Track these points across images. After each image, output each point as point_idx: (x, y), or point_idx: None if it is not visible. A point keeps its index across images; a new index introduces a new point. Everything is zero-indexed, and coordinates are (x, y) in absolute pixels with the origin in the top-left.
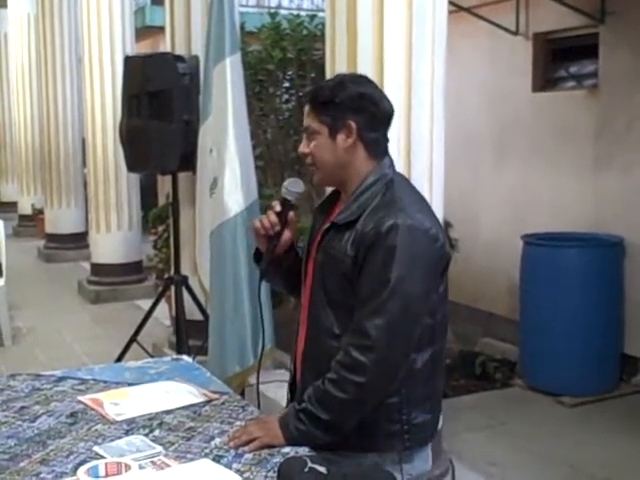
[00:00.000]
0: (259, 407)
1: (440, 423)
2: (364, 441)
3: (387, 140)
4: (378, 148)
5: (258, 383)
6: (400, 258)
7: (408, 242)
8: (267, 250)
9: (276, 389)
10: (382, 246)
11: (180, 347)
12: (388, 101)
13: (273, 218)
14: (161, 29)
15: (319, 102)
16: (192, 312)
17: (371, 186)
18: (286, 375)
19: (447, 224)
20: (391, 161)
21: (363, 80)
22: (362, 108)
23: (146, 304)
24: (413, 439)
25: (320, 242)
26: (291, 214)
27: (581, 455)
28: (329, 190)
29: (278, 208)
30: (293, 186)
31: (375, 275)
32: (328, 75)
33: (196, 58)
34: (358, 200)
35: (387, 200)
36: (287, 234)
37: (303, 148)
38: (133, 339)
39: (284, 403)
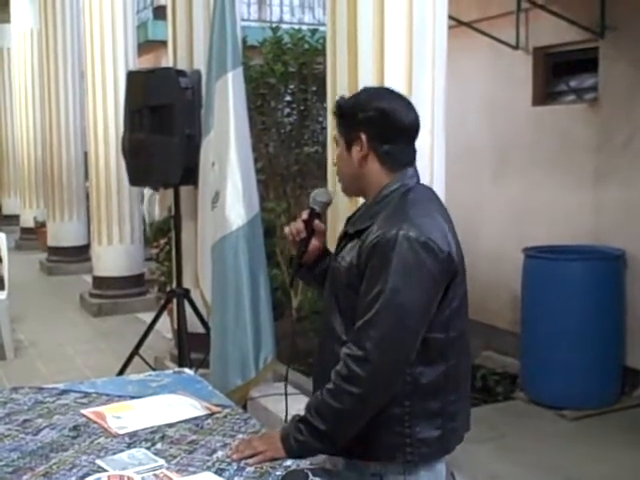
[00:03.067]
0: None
1: (461, 442)
2: (366, 449)
3: (412, 151)
4: (393, 160)
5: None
6: (397, 269)
7: (406, 253)
8: (296, 255)
9: (277, 402)
10: (380, 257)
11: (182, 360)
12: (411, 114)
13: (299, 225)
14: (163, 43)
15: (338, 115)
16: (194, 325)
17: (387, 196)
18: (287, 388)
19: None
20: (415, 171)
21: (383, 93)
22: (372, 121)
23: (148, 317)
24: (417, 453)
25: (336, 250)
26: (318, 223)
27: (582, 469)
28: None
29: (305, 216)
30: (320, 196)
31: (371, 286)
32: (329, 90)
33: (198, 72)
34: (371, 209)
35: (396, 211)
36: (315, 242)
37: (334, 157)
38: (135, 352)
39: (283, 416)
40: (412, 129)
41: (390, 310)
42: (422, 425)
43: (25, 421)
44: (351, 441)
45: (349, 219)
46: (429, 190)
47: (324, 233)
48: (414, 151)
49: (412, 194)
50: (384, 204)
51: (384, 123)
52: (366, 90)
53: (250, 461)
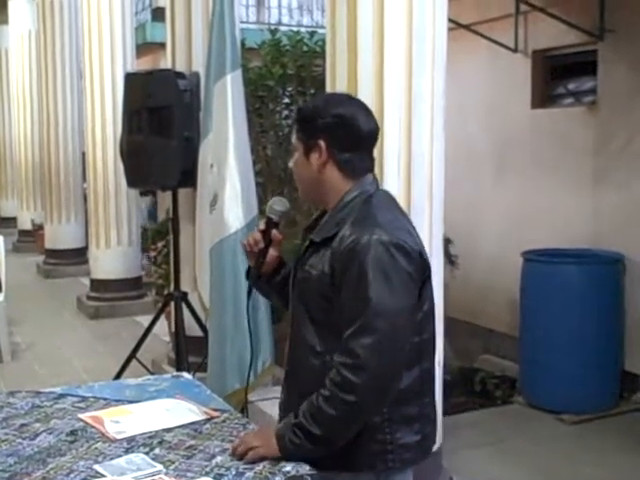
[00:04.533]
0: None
1: (437, 445)
2: (343, 459)
3: (371, 159)
4: (352, 168)
5: (246, 397)
6: (376, 275)
7: (383, 258)
8: (254, 266)
9: (274, 406)
10: (357, 263)
11: (180, 364)
12: (370, 122)
13: (257, 235)
14: (161, 45)
15: (298, 120)
16: (192, 328)
17: (349, 203)
18: None
19: (447, 240)
20: (374, 178)
21: (345, 100)
22: (332, 128)
23: (145, 320)
24: (397, 459)
25: (301, 259)
26: (275, 233)
27: (581, 473)
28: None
29: (262, 226)
30: (277, 205)
31: (354, 293)
32: (328, 91)
33: (197, 75)
34: (335, 217)
35: (362, 216)
36: (272, 252)
37: (289, 163)
38: (132, 355)
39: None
40: (371, 137)
41: (379, 316)
42: (402, 431)
43: (22, 425)
44: (332, 451)
45: (308, 228)
46: (389, 195)
47: (281, 242)
48: (372, 159)
49: (375, 199)
50: (348, 210)
51: (343, 130)
52: (326, 95)
53: (243, 460)
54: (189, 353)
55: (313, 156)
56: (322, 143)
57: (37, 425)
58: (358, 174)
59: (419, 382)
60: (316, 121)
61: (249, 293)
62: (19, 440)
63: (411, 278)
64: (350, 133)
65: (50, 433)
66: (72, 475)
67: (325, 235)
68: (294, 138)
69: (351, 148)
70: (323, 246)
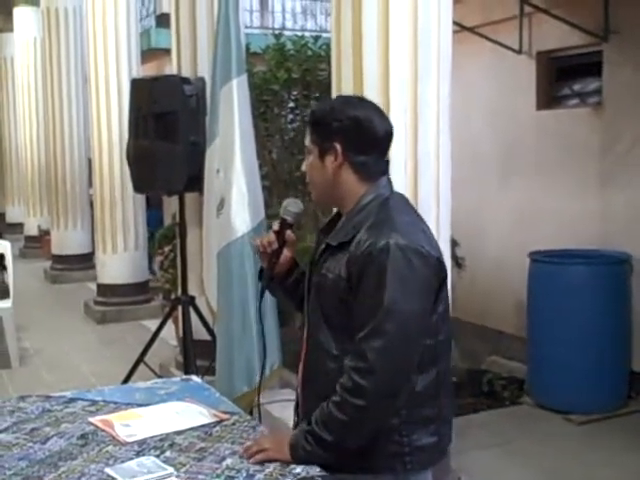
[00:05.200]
0: (259, 420)
1: (451, 445)
2: (362, 461)
3: (385, 162)
4: (368, 170)
5: (259, 403)
6: (392, 279)
7: (400, 262)
8: (267, 267)
9: (282, 409)
10: (374, 267)
11: (188, 367)
12: (385, 124)
13: (271, 237)
14: (166, 51)
15: (312, 123)
16: (199, 332)
17: (366, 206)
18: (292, 394)
19: (454, 242)
20: (388, 180)
21: (359, 102)
22: (348, 131)
23: (152, 324)
24: (415, 461)
25: (317, 263)
26: (289, 233)
27: (590, 473)
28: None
29: (276, 227)
30: (291, 206)
31: (369, 297)
32: (334, 95)
33: (202, 80)
34: (352, 220)
35: (380, 220)
36: (286, 252)
37: (303, 166)
38: (140, 359)
39: (291, 422)
40: (386, 139)
41: (392, 320)
42: (419, 432)
43: (33, 430)
44: (349, 453)
45: (323, 231)
46: (404, 198)
47: (295, 243)
48: (387, 161)
49: (392, 202)
50: (365, 214)
51: (359, 133)
52: (341, 98)
53: (252, 459)
54: (197, 357)
55: (328, 159)
56: (338, 146)
57: (48, 429)
58: (373, 177)
59: (435, 384)
60: (331, 124)
61: (261, 294)
62: (30, 444)
63: (427, 283)
64: (366, 135)
65: (61, 437)
66: (84, 478)
67: (342, 239)
68: (308, 141)
69: (367, 151)
70: (340, 250)
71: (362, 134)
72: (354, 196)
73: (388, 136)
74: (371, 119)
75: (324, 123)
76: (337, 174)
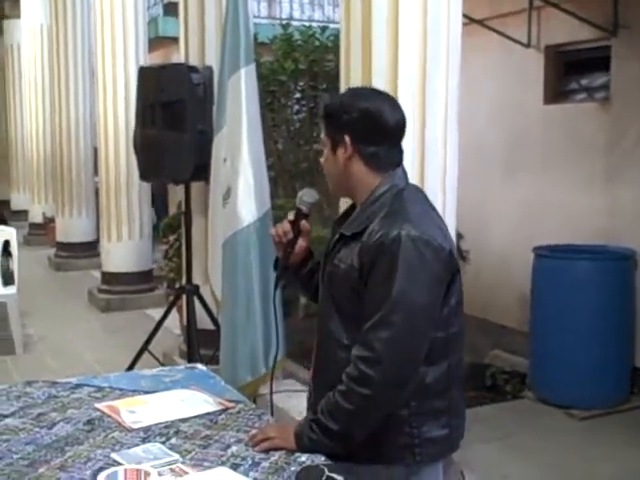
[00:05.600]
0: (272, 415)
1: (463, 437)
2: (372, 452)
3: (399, 152)
4: (379, 161)
5: (272, 392)
6: (402, 270)
7: (411, 253)
8: (282, 257)
9: (286, 399)
10: (385, 258)
11: (191, 356)
12: (397, 114)
13: (286, 226)
14: (173, 40)
15: (324, 116)
16: (203, 321)
17: (380, 197)
18: (295, 385)
19: (458, 235)
20: (404, 172)
21: (370, 94)
22: (356, 122)
23: (156, 313)
24: (425, 453)
25: (330, 253)
26: (305, 223)
27: (591, 468)
28: (342, 200)
29: (291, 217)
30: (307, 196)
31: (379, 287)
32: (342, 86)
33: (210, 69)
34: (366, 211)
35: (393, 211)
36: (301, 242)
37: (321, 159)
38: (144, 348)
39: (294, 412)
40: (397, 130)
41: (399, 310)
42: (429, 424)
43: (39, 415)
44: (359, 444)
45: (337, 222)
46: (420, 190)
47: (310, 233)
48: (401, 151)
49: (406, 193)
50: (379, 205)
51: (369, 125)
52: (351, 90)
53: (257, 447)
54: (200, 346)
55: (339, 151)
56: (347, 138)
57: (54, 414)
58: (386, 168)
59: (446, 376)
60: (341, 117)
61: (276, 284)
62: (37, 429)
63: (437, 275)
64: (375, 127)
65: (67, 422)
66: (90, 463)
67: (355, 230)
68: (322, 134)
69: (376, 142)
70: (353, 240)
71: (371, 125)
72: (367, 187)
73: (400, 127)
74: (381, 110)
75: (335, 116)
76: (348, 165)
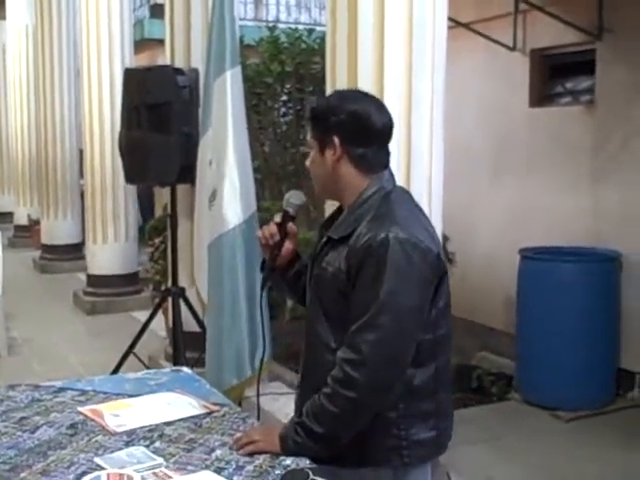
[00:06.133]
0: (258, 419)
1: (450, 439)
2: (360, 454)
3: (386, 154)
4: (367, 163)
5: (258, 395)
6: (390, 272)
7: (399, 256)
8: (268, 259)
9: (272, 401)
10: (373, 260)
11: (177, 359)
12: (384, 116)
13: (273, 228)
14: (159, 42)
15: (311, 119)
16: (189, 324)
17: (367, 199)
18: (282, 387)
19: (444, 238)
20: (391, 174)
21: (357, 96)
22: (347, 124)
23: (142, 315)
24: (413, 455)
25: (317, 256)
26: (291, 225)
27: (577, 469)
28: (328, 203)
29: (278, 219)
30: (294, 198)
31: (366, 289)
32: (328, 89)
33: (196, 71)
34: (353, 214)
35: (381, 214)
36: (288, 244)
37: (306, 162)
38: (130, 351)
39: (280, 415)
40: (385, 132)
41: (386, 313)
42: (417, 427)
43: (22, 419)
44: (346, 446)
45: (324, 225)
46: (407, 192)
47: (297, 235)
48: (388, 153)
49: (393, 196)
50: (366, 207)
51: (357, 126)
52: (338, 93)
53: (242, 450)
54: (186, 348)
55: (328, 152)
56: (336, 139)
57: (37, 418)
58: (374, 170)
59: (434, 379)
60: (329, 119)
61: (262, 286)
62: (19, 433)
63: (425, 277)
64: (363, 128)
65: (50, 426)
66: (73, 468)
67: (343, 233)
68: (309, 136)
69: (365, 143)
70: (341, 243)
71: (360, 127)
72: (355, 189)
73: (387, 129)
74: (369, 112)
75: (323, 118)
76: (336, 167)
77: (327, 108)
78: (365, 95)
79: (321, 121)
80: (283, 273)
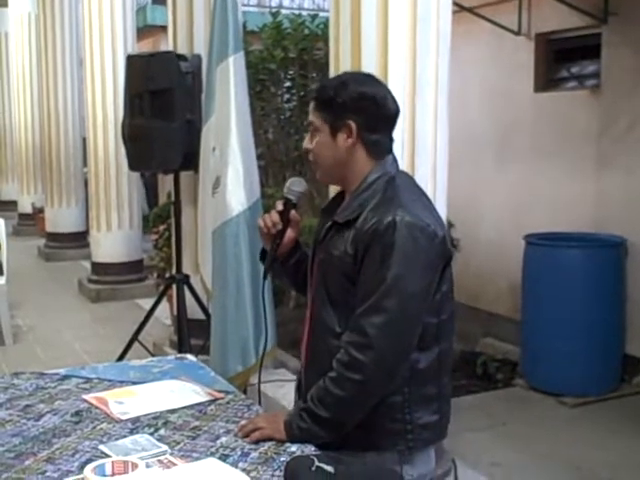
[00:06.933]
0: (260, 404)
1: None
2: (365, 439)
3: (391, 140)
4: (379, 149)
5: (260, 382)
6: (397, 255)
7: (406, 239)
8: (270, 248)
9: (276, 388)
10: (380, 244)
11: (182, 346)
12: (393, 101)
13: (275, 217)
14: (162, 28)
15: (322, 100)
16: (193, 311)
17: (372, 184)
18: (286, 374)
19: (449, 224)
20: (394, 159)
21: (368, 80)
22: (363, 109)
23: (146, 303)
24: (417, 439)
25: (322, 241)
26: (294, 213)
27: (583, 455)
28: (332, 188)
29: (280, 207)
30: (295, 185)
31: (373, 273)
32: (331, 75)
33: (198, 57)
34: (359, 198)
35: (387, 198)
36: (290, 233)
37: (306, 144)
38: (134, 338)
39: (284, 402)
40: (396, 117)
41: (393, 296)
42: (421, 411)
43: (27, 406)
44: (352, 431)
45: (325, 210)
46: (410, 177)
47: (299, 223)
48: (392, 138)
49: (398, 180)
50: (371, 192)
51: (374, 111)
52: (348, 74)
53: (248, 438)
54: (191, 336)
55: (341, 137)
56: (352, 124)
57: (41, 406)
58: (382, 154)
59: (437, 362)
60: (345, 101)
61: (264, 276)
62: (24, 421)
63: (431, 261)
64: (381, 113)
65: (55, 414)
66: (77, 455)
67: (348, 217)
68: (314, 118)
69: (380, 129)
70: (346, 227)
71: (377, 112)
72: (360, 174)
73: (398, 114)
74: (385, 97)
75: (336, 100)
76: (350, 153)
77: (341, 90)
78: (376, 79)
79: (335, 103)
80: (283, 262)
